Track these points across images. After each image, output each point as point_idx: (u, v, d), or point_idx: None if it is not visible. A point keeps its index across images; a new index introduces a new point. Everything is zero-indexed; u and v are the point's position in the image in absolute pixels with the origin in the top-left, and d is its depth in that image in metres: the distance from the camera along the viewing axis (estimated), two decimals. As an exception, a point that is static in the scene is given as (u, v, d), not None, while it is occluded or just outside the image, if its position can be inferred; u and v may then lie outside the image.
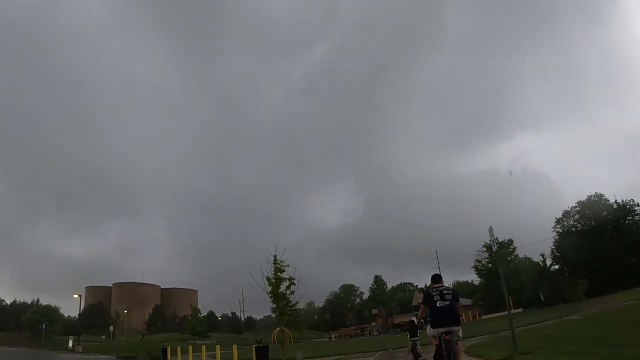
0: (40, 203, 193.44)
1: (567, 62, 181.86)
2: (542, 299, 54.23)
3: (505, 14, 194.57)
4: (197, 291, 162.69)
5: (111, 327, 62.81)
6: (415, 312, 20.67)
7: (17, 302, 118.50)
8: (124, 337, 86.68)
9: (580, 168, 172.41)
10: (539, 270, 65.25)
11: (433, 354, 9.78)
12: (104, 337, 77.35)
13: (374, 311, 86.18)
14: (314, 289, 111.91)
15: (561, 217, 62.97)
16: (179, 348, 29.27)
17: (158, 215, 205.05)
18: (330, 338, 79.23)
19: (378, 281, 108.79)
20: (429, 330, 9.56)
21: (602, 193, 60.37)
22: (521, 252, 71.21)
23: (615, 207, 57.66)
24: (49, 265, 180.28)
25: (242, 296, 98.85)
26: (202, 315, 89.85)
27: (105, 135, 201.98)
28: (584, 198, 61.24)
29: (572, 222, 62.00)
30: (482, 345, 17.09)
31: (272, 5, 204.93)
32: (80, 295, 57.14)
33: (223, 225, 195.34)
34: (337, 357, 26.47)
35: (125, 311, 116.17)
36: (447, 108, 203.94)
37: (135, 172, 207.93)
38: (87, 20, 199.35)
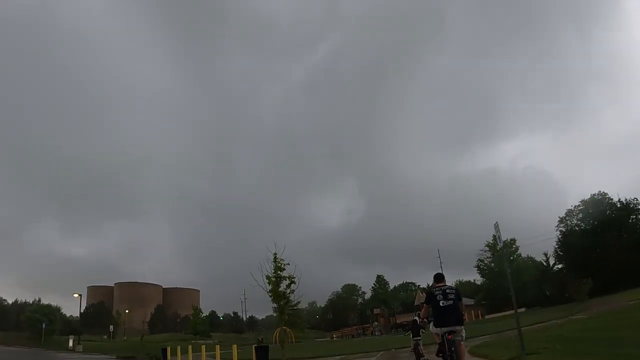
0: (43, 203, 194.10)
1: (568, 61, 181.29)
2: (548, 294, 53.86)
3: (506, 14, 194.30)
4: (199, 291, 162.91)
5: (111, 327, 62.61)
6: (418, 312, 20.47)
7: (19, 301, 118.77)
8: (125, 337, 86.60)
9: (582, 167, 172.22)
10: (542, 269, 64.93)
11: (436, 352, 9.60)
12: (105, 336, 77.17)
13: (376, 311, 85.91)
14: (316, 288, 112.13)
15: (564, 216, 62.63)
16: (178, 348, 28.99)
17: (160, 215, 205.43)
18: (332, 338, 78.97)
19: (380, 281, 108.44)
20: (432, 327, 9.33)
21: (605, 192, 60.04)
22: (523, 252, 71.08)
23: (618, 205, 57.25)
24: (52, 265, 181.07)
25: (244, 296, 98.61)
26: (204, 315, 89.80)
27: (106, 135, 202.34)
28: (587, 197, 60.96)
29: (575, 221, 61.62)
30: (486, 346, 16.75)
31: (272, 5, 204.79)
32: (80, 295, 56.96)
33: (225, 225, 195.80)
34: (339, 357, 26.19)
35: (127, 311, 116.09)
36: (448, 107, 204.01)
37: (136, 172, 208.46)
38: (87, 20, 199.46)
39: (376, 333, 68.81)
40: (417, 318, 15.48)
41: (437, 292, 9.01)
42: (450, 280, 9.21)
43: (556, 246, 61.97)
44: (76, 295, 56.28)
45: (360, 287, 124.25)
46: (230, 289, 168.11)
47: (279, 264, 19.13)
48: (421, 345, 14.69)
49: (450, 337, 8.59)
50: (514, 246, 66.82)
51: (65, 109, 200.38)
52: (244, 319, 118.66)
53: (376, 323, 74.92)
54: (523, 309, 54.38)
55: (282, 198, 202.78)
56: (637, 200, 56.90)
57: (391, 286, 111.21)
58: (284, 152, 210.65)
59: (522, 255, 70.97)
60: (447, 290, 8.97)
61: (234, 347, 22.01)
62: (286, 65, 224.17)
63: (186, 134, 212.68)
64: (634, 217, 56.67)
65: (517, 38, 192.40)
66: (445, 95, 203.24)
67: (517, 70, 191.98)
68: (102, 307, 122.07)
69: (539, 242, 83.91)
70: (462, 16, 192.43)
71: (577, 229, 60.14)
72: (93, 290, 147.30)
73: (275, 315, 24.43)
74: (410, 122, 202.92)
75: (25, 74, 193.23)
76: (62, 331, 63.67)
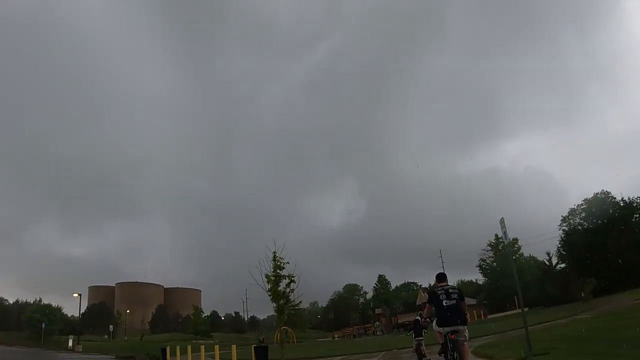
0: (43, 203, 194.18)
1: (568, 61, 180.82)
2: (550, 294, 53.46)
3: (507, 13, 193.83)
4: (200, 291, 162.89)
5: (111, 327, 62.40)
6: (420, 312, 20.30)
7: (20, 301, 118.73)
8: (126, 337, 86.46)
9: (582, 167, 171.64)
10: (544, 269, 64.52)
11: (438, 351, 9.49)
12: (105, 336, 76.98)
13: (378, 311, 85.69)
14: (317, 288, 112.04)
15: (567, 215, 62.18)
16: (178, 348, 28.73)
17: (160, 215, 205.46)
18: (333, 338, 78.75)
19: (382, 280, 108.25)
20: (435, 326, 9.10)
21: (608, 190, 59.57)
22: (525, 252, 70.75)
23: (622, 204, 56.79)
24: (52, 265, 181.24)
25: (245, 296, 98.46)
26: (205, 315, 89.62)
27: (106, 135, 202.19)
28: (589, 196, 60.50)
29: (578, 220, 61.16)
30: (491, 346, 16.42)
31: (272, 5, 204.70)
32: (80, 295, 56.80)
33: (225, 225, 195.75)
34: (340, 357, 25.95)
35: (128, 311, 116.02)
36: (449, 107, 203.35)
37: (136, 172, 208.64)
38: (87, 20, 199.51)
39: (378, 333, 68.61)
40: (419, 318, 15.40)
41: (440, 292, 8.93)
42: (451, 280, 9.02)
43: (559, 245, 61.55)
44: (76, 295, 56.12)
45: (361, 287, 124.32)
46: (232, 289, 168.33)
47: (279, 263, 18.81)
48: (423, 346, 14.55)
49: (453, 337, 8.51)
50: (516, 246, 66.46)
51: (65, 109, 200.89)
52: (246, 319, 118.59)
53: (378, 323, 74.67)
54: (526, 309, 53.92)
55: (282, 198, 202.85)
56: (640, 198, 56.49)
57: (393, 286, 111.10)
58: (284, 152, 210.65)
59: (524, 255, 70.65)
60: (450, 290, 8.89)
61: (233, 347, 21.71)
62: (286, 65, 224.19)
63: (186, 134, 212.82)
64: (637, 215, 56.22)
65: (517, 38, 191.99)
66: (445, 95, 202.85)
67: (517, 70, 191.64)
68: (104, 307, 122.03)
69: (540, 242, 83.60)
70: (462, 16, 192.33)
71: (580, 228, 59.68)
72: (94, 290, 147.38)
73: (275, 315, 24.14)
74: (411, 122, 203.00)
75: (25, 74, 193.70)
76: (62, 331, 63.53)
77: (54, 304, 64.04)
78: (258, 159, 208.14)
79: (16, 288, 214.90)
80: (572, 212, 61.92)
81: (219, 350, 24.33)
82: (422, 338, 14.56)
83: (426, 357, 14.22)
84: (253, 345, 24.49)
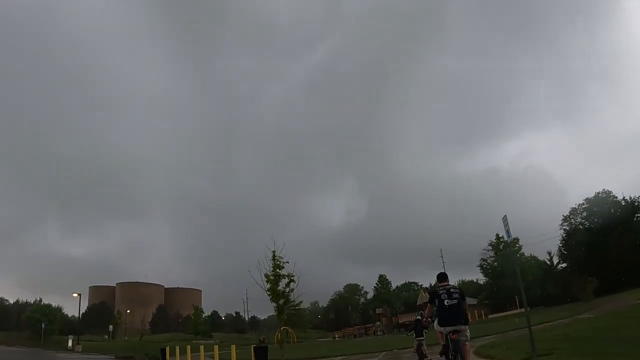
0: (43, 203, 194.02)
1: (568, 61, 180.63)
2: (552, 294, 53.26)
3: (507, 13, 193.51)
4: (201, 291, 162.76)
5: (110, 327, 62.27)
6: (421, 312, 20.19)
7: (20, 301, 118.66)
8: (126, 337, 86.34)
9: (582, 167, 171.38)
10: (545, 269, 64.32)
11: (440, 352, 9.47)
12: (106, 336, 76.93)
13: (379, 311, 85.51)
14: (318, 288, 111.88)
15: (568, 214, 61.90)
16: (177, 348, 28.60)
17: (160, 215, 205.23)
18: (334, 338, 78.64)
19: (382, 280, 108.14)
20: (437, 326, 9.01)
21: (610, 190, 59.33)
22: (526, 251, 70.55)
23: (623, 204, 56.57)
24: (53, 265, 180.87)
25: (246, 296, 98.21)
26: (206, 315, 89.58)
27: (106, 135, 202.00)
28: (591, 195, 60.21)
29: (579, 220, 60.90)
30: (493, 346, 16.27)
31: (272, 5, 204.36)
32: (79, 294, 56.68)
33: (226, 225, 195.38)
34: (341, 357, 25.82)
35: (128, 311, 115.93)
36: (449, 107, 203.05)
37: (137, 172, 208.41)
38: (87, 20, 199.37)
39: (378, 333, 68.48)
40: (420, 317, 15.31)
41: (441, 292, 8.91)
42: (451, 280, 8.90)
43: (560, 245, 61.34)
44: (75, 294, 55.99)
45: (362, 287, 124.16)
46: (232, 289, 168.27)
47: (278, 262, 18.64)
48: (424, 346, 14.46)
49: (454, 336, 8.47)
50: (517, 245, 66.29)
51: (65, 109, 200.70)
52: (246, 318, 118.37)
53: (378, 323, 74.54)
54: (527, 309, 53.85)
55: (282, 198, 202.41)
56: (642, 198, 56.23)
57: (393, 286, 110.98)
58: (284, 152, 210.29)
59: (525, 255, 70.45)
60: (452, 290, 8.88)
61: (233, 347, 21.56)
62: (286, 65, 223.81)
63: (186, 134, 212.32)
64: (639, 215, 56.02)
65: (517, 38, 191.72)
66: (445, 95, 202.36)
67: (517, 70, 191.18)
68: (104, 307, 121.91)
69: (540, 242, 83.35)
70: (462, 16, 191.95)
71: (581, 227, 59.40)
72: (95, 290, 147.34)
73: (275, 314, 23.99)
74: (411, 122, 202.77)
75: (25, 74, 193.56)
76: (63, 331, 63.45)
77: (54, 304, 64.05)
78: (258, 159, 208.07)
79: (17, 288, 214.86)
80: (574, 211, 61.64)
81: (219, 351, 24.17)
82: (423, 338, 14.46)
83: (427, 357, 14.12)
84: (252, 346, 24.34)
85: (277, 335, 21.12)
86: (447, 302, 8.69)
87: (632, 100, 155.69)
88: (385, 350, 26.10)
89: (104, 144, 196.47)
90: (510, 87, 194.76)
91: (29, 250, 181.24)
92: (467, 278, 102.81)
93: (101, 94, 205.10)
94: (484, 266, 72.89)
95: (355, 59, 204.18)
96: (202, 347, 25.61)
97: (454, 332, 8.51)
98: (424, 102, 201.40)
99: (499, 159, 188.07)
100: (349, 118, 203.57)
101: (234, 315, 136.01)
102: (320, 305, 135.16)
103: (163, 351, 29.89)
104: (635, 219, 55.41)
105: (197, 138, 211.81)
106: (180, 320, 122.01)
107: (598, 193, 59.50)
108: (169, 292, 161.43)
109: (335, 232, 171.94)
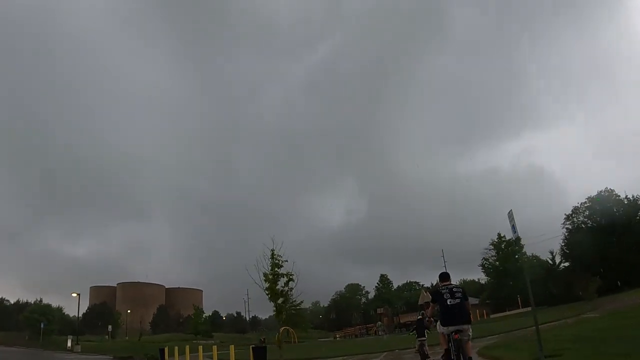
0: (45, 204, 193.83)
1: (568, 61, 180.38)
2: (554, 293, 52.86)
3: (507, 13, 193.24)
4: (201, 291, 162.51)
5: (110, 327, 61.97)
6: (422, 311, 19.92)
7: (20, 301, 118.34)
8: (127, 337, 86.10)
9: (582, 166, 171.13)
10: (547, 268, 63.90)
11: (442, 356, 9.20)
12: (106, 337, 76.69)
13: (380, 310, 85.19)
14: (319, 288, 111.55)
15: (571, 213, 61.48)
16: (176, 348, 28.27)
17: (160, 215, 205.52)
18: (335, 338, 78.35)
19: (384, 280, 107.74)
20: (439, 327, 8.83)
21: (612, 188, 58.91)
22: (527, 251, 70.09)
23: (626, 202, 56.17)
24: (53, 265, 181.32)
25: (246, 296, 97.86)
26: (206, 315, 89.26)
27: (106, 135, 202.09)
28: (591, 194, 59.82)
29: (581, 219, 60.46)
30: (497, 347, 15.93)
31: (272, 5, 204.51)
32: (78, 294, 56.28)
33: (227, 225, 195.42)
34: (342, 357, 25.56)
35: (129, 311, 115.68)
36: (450, 107, 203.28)
37: (137, 172, 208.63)
38: (87, 20, 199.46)
39: (380, 333, 68.04)
40: (421, 317, 15.11)
41: (444, 291, 8.90)
42: (454, 280, 8.71)
43: (562, 244, 60.94)
44: (75, 294, 55.65)
45: (363, 287, 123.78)
46: (233, 289, 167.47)
47: (276, 261, 18.30)
48: (426, 346, 14.27)
49: (457, 336, 8.41)
50: (519, 244, 65.84)
51: (65, 109, 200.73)
52: (247, 318, 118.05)
53: (380, 323, 74.11)
54: (529, 308, 53.48)
55: (282, 198, 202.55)
56: (645, 196, 55.79)
57: (395, 286, 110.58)
58: (284, 152, 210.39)
59: (527, 254, 70.06)
60: (454, 289, 8.88)
61: (231, 347, 21.25)
62: (286, 65, 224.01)
63: (186, 134, 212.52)
64: (642, 214, 55.60)
65: (518, 38, 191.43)
66: (445, 95, 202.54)
67: (517, 70, 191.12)
68: (105, 307, 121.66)
69: (541, 241, 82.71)
70: (462, 16, 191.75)
71: (583, 226, 59.01)
72: (96, 290, 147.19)
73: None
74: (411, 122, 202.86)
75: (27, 74, 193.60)
76: (63, 331, 63.28)
77: (55, 305, 63.95)
78: (258, 159, 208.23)
79: (18, 288, 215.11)
80: (576, 210, 61.20)
81: (218, 351, 23.84)
82: (424, 338, 14.27)
83: (429, 357, 13.98)
84: (251, 346, 24.05)
85: (278, 335, 20.78)
86: (450, 302, 8.65)
87: (633, 100, 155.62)
88: (386, 351, 25.86)
89: (104, 144, 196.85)
90: (510, 87, 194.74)
91: (29, 251, 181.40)
92: (468, 278, 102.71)
93: (101, 94, 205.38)
94: (486, 266, 72.46)
95: (355, 59, 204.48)
96: (200, 348, 25.32)
97: (457, 331, 8.46)
98: (424, 102, 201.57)
99: (499, 159, 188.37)
100: (349, 118, 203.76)
101: (235, 315, 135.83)
102: (322, 305, 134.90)
103: (162, 351, 29.60)
104: (637, 217, 55.01)
105: (197, 138, 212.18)
106: (181, 320, 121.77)
107: (600, 191, 59.11)
108: (169, 292, 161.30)
109: (336, 232, 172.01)
